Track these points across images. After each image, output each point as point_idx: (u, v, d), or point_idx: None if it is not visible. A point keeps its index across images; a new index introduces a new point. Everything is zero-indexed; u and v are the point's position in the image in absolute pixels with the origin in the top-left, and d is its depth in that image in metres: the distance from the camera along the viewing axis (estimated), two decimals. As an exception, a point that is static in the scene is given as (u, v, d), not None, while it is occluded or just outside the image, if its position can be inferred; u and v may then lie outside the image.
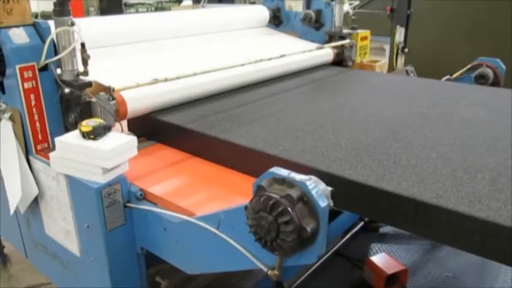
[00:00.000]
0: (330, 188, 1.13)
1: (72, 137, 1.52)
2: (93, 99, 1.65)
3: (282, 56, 2.40)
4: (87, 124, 1.50)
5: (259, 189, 1.07)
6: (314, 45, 2.89)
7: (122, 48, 2.30)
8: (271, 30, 3.34)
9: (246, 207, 1.10)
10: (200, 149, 1.80)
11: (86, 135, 1.49)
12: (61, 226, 1.74)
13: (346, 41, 3.05)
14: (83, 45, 1.64)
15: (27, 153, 1.75)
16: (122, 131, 1.73)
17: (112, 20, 2.44)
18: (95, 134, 1.49)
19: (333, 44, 2.98)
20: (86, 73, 1.69)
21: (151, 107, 1.94)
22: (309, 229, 1.02)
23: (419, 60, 4.91)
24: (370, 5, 7.27)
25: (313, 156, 1.49)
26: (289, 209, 1.01)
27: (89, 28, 2.04)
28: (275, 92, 2.31)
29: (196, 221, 1.33)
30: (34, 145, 1.74)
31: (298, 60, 2.66)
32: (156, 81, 1.84)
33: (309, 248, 1.07)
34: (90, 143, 1.47)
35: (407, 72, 3.10)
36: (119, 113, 1.81)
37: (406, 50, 5.61)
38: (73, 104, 1.70)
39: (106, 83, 1.76)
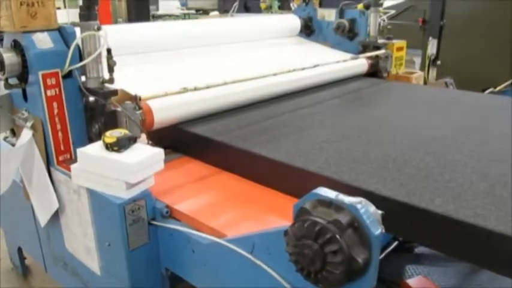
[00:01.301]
0: (380, 212, 0.99)
1: (95, 149, 1.42)
2: (119, 109, 1.55)
3: (315, 66, 2.28)
4: (111, 135, 1.40)
5: (302, 213, 0.94)
6: (348, 55, 2.75)
7: (150, 56, 2.21)
8: (303, 39, 3.22)
9: (285, 233, 0.97)
10: (230, 163, 1.68)
11: (109, 147, 1.39)
12: (82, 242, 1.64)
13: (381, 51, 2.91)
14: (109, 51, 1.55)
15: (48, 164, 1.66)
16: (148, 142, 1.62)
17: (140, 28, 2.37)
18: (119, 145, 1.39)
19: (368, 54, 2.84)
20: (111, 81, 1.59)
21: (179, 117, 1.83)
22: (360, 260, 0.88)
23: (452, 73, 4.73)
24: (401, 17, 7.11)
25: (357, 174, 1.37)
26: (337, 236, 0.87)
27: (116, 35, 1.96)
28: (308, 103, 2.18)
29: (227, 244, 1.21)
30: (56, 156, 1.65)
31: (332, 71, 2.53)
32: (185, 90, 1.73)
33: (359, 281, 0.93)
34: (114, 155, 1.36)
35: (446, 84, 2.94)
36: (145, 123, 1.71)
37: (438, 62, 5.42)
38: (97, 113, 1.60)
39: (132, 91, 1.66)
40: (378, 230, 0.90)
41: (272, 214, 1.39)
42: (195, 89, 1.76)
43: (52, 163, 1.65)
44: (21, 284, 2.80)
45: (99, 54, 1.58)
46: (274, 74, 2.08)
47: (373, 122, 1.90)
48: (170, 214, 1.44)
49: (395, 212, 1.20)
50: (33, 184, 1.74)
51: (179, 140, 1.88)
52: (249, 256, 1.14)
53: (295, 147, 1.59)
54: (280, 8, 6.53)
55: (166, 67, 2.18)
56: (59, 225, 1.76)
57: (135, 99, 1.61)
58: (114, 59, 1.59)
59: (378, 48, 2.96)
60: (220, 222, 1.34)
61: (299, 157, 1.50)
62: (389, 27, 3.09)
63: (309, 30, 3.28)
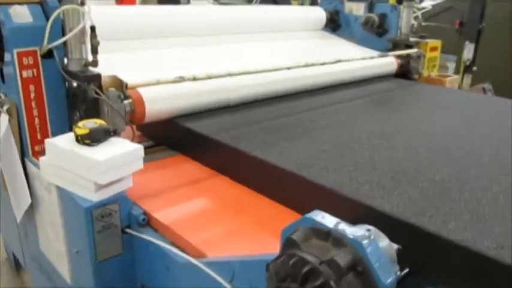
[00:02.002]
0: (396, 246, 0.75)
1: (65, 140, 1.22)
2: (101, 96, 1.35)
3: (337, 61, 2.03)
4: (84, 125, 1.19)
5: (289, 244, 0.71)
6: (375, 52, 2.49)
7: (153, 43, 2.00)
8: (328, 34, 2.97)
9: (267, 267, 0.73)
10: (227, 166, 1.46)
11: (80, 140, 1.18)
12: (54, 245, 1.44)
13: (413, 50, 2.63)
14: (92, 28, 1.35)
15: (22, 155, 1.47)
16: (133, 137, 1.41)
17: (141, 11, 2.15)
18: (92, 138, 1.18)
19: (398, 52, 2.57)
20: (95, 63, 1.39)
21: (176, 110, 1.62)
22: (362, 318, 0.64)
23: (489, 79, 4.39)
24: (437, 18, 6.75)
25: (358, 184, 1.14)
26: (332, 283, 0.63)
27: (110, 17, 1.76)
28: (326, 103, 1.93)
29: (204, 267, 0.99)
30: (31, 145, 1.46)
31: (356, 68, 2.27)
32: (181, 79, 1.52)
33: None
34: (84, 150, 1.16)
35: (484, 91, 2.64)
36: (135, 115, 1.50)
37: (474, 68, 5.08)
38: (79, 100, 1.40)
39: (121, 77, 1.45)
40: (390, 276, 0.66)
41: (266, 229, 1.16)
42: (194, 78, 1.54)
43: (27, 154, 1.47)
44: (13, 275, 2.64)
45: (83, 33, 1.37)
46: (288, 68, 1.84)
47: (393, 127, 1.65)
48: (148, 222, 1.23)
49: (398, 234, 0.95)
50: (10, 176, 1.56)
51: (174, 136, 1.67)
52: (227, 286, 0.92)
53: (302, 153, 1.35)
54: (312, 3, 6.26)
55: (167, 55, 1.97)
56: (34, 224, 1.58)
57: (121, 86, 1.40)
58: (108, 42, 1.39)
59: (409, 46, 2.69)
60: (202, 238, 1.12)
61: (299, 163, 1.27)
62: (423, 24, 2.81)
63: (334, 24, 3.02)
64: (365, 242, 0.66)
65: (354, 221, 1.04)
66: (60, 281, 1.48)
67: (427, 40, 2.77)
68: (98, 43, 1.35)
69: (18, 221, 1.62)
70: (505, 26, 5.17)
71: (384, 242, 0.73)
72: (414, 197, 1.09)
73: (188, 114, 1.65)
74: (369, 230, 0.75)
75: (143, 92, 1.52)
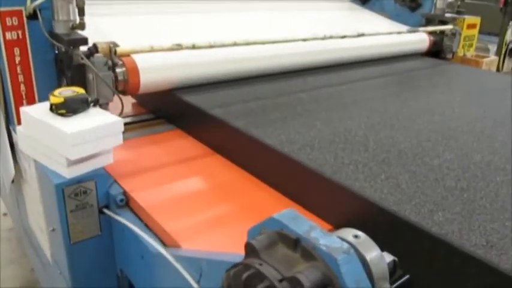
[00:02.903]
0: (390, 259, 0.61)
1: (41, 109, 1.11)
2: (87, 62, 1.22)
3: (360, 35, 1.84)
4: (60, 94, 1.08)
5: (249, 251, 0.57)
6: (404, 27, 2.27)
7: (146, 7, 1.86)
8: (356, 6, 2.75)
9: (226, 273, 0.60)
10: (223, 144, 1.33)
11: (54, 109, 1.07)
12: (37, 220, 1.36)
13: (448, 27, 2.40)
14: (78, -14, 1.22)
15: (7, 123, 1.38)
16: (121, 111, 1.29)
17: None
18: (67, 108, 1.06)
19: (429, 28, 2.35)
20: (81, 26, 1.27)
21: (174, 81, 1.48)
22: None
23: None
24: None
25: (343, 165, 1.03)
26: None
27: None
28: (341, 81, 1.76)
29: (173, 261, 0.87)
30: (16, 113, 1.36)
31: (381, 44, 2.07)
32: (179, 47, 1.38)
33: None
34: (56, 120, 1.04)
35: (525, 75, 2.39)
36: (129, 85, 1.38)
37: (516, 50, 4.74)
38: (65, 65, 1.29)
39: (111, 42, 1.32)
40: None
41: (253, 217, 1.01)
42: (194, 47, 1.40)
43: (12, 122, 1.37)
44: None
45: (70, -8, 1.25)
46: (304, 40, 1.67)
47: (405, 109, 1.48)
48: (127, 203, 1.11)
49: (378, 223, 0.87)
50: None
51: (172, 109, 1.54)
52: (194, 285, 0.79)
53: (303, 134, 1.21)
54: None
55: (165, 22, 1.82)
56: (23, 196, 1.50)
57: (110, 52, 1.27)
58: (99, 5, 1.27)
59: (444, 23, 2.46)
60: (180, 226, 0.99)
61: (302, 146, 1.12)
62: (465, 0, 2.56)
63: (364, -4, 2.81)
64: (341, 257, 0.51)
65: (334, 207, 0.95)
66: (45, 258, 1.40)
67: (464, 16, 2.53)
68: (83, 3, 1.22)
69: (7, 192, 1.54)
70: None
71: (373, 254, 0.58)
72: (402, 183, 0.97)
73: (187, 86, 1.51)
74: (356, 236, 0.61)
75: (138, 59, 1.40)
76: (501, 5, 5.40)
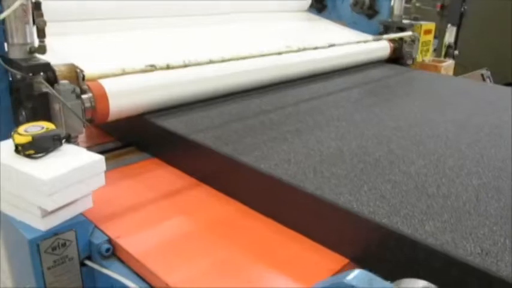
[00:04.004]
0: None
1: (5, 150, 0.94)
2: (50, 91, 1.06)
3: (330, 45, 1.78)
4: (26, 131, 0.92)
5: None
6: (369, 36, 2.25)
7: (112, 24, 1.71)
8: (313, 16, 2.72)
9: None
10: (211, 174, 1.21)
11: (21, 150, 0.90)
12: (2, 279, 1.16)
13: (408, 33, 2.41)
14: (37, 5, 1.06)
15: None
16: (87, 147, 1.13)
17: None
18: (36, 148, 0.91)
19: (392, 35, 2.34)
20: (42, 49, 1.11)
21: (146, 105, 1.35)
22: None
23: (471, 64, 4.25)
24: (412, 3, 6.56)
25: (323, 178, 1.00)
26: None
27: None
28: (320, 93, 1.69)
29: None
30: (-35, 154, 1.16)
31: (351, 53, 2.03)
32: (153, 68, 1.24)
33: None
34: (25, 164, 0.88)
35: (483, 77, 2.45)
36: (98, 112, 1.23)
37: (456, 52, 4.92)
38: (23, 95, 1.12)
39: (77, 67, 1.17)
40: None
41: (263, 263, 0.91)
42: (168, 67, 1.27)
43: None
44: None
45: (26, 11, 1.08)
46: (279, 53, 1.58)
47: (412, 125, 1.43)
48: (113, 252, 0.97)
49: (368, 238, 0.88)
50: None
51: (145, 135, 1.40)
52: None
53: (298, 156, 1.12)
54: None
55: (131, 40, 1.68)
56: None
57: (77, 77, 1.12)
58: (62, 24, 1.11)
59: (402, 29, 2.46)
60: (183, 276, 0.87)
61: (303, 171, 1.03)
62: (417, 4, 2.59)
63: (320, 4, 2.79)
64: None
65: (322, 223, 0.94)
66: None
67: (421, 22, 2.56)
68: (44, 23, 1.07)
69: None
70: (489, 9, 5.02)
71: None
72: (386, 193, 0.96)
73: (161, 109, 1.38)
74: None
75: (106, 84, 1.25)
76: (438, 9, 5.62)
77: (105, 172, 1.25)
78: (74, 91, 1.09)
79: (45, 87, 1.06)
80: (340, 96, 1.70)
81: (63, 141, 0.96)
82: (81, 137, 1.52)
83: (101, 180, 0.95)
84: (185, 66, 1.32)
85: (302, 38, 2.12)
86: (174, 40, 1.76)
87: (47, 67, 1.09)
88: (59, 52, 1.22)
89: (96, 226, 1.00)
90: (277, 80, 1.71)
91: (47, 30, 1.13)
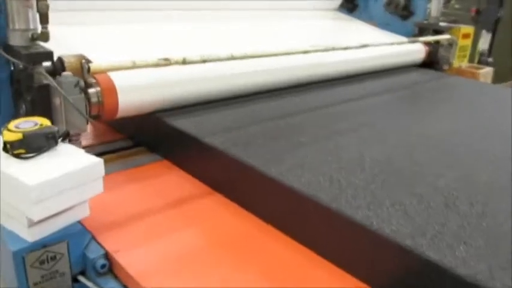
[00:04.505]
0: None
1: (-8, 148, 0.83)
2: (52, 83, 0.95)
3: (363, 46, 1.64)
4: (17, 127, 0.81)
5: None
6: (403, 38, 2.10)
7: (125, 16, 1.60)
8: (343, 15, 2.57)
9: None
10: (223, 181, 1.08)
11: (9, 148, 0.80)
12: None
13: (445, 37, 2.24)
14: (40, -14, 0.95)
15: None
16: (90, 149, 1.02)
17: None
18: (28, 147, 0.80)
19: (429, 38, 2.19)
20: (44, 36, 1.00)
21: (159, 103, 1.23)
22: None
23: (504, 73, 4.05)
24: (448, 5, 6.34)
25: (340, 191, 0.87)
26: None
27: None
28: (347, 97, 1.56)
29: None
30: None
31: (384, 55, 1.89)
32: (167, 62, 1.13)
33: None
34: (12, 165, 0.77)
35: (525, 87, 2.26)
36: (106, 108, 1.12)
37: (490, 59, 4.71)
38: (23, 87, 1.01)
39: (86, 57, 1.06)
40: None
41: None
42: (184, 62, 1.15)
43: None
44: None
45: (29, -7, 0.98)
46: (305, 52, 1.45)
47: (454, 136, 1.29)
48: (110, 268, 0.85)
49: (389, 260, 0.76)
50: None
51: (156, 136, 1.29)
52: None
53: (325, 167, 0.99)
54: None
55: (146, 33, 1.56)
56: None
57: (82, 69, 1.01)
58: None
59: (439, 32, 2.30)
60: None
61: (329, 185, 0.90)
62: (457, 6, 2.42)
63: (351, 4, 2.64)
64: None
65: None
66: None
67: (460, 25, 2.39)
68: (47, 7, 0.96)
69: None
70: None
71: None
72: (410, 210, 0.84)
73: (175, 107, 1.26)
74: None
75: (116, 78, 1.14)
76: (473, 13, 5.40)
77: (110, 174, 1.17)
78: (77, 84, 0.98)
79: (46, 79, 0.95)
80: (369, 101, 1.56)
81: (60, 140, 0.85)
82: (89, 134, 1.44)
83: (98, 187, 0.83)
84: (203, 61, 1.20)
85: (329, 38, 1.98)
86: (194, 35, 1.65)
87: (49, 56, 0.99)
88: (64, 42, 1.11)
89: (93, 237, 0.89)
90: (301, 82, 1.58)
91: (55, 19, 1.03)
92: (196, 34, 1.65)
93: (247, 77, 1.40)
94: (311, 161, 1.02)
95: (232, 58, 1.25)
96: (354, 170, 1.00)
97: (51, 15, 1.00)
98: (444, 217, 0.83)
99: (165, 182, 1.15)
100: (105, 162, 1.24)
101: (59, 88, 0.93)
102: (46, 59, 0.99)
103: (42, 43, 1.02)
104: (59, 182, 0.75)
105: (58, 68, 1.03)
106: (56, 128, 0.83)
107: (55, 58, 1.02)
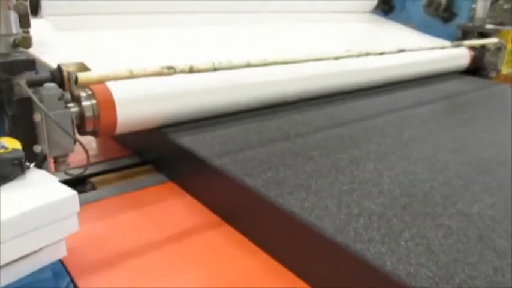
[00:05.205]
0: None
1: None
2: (32, 96, 0.81)
3: (400, 50, 1.45)
4: (-23, 152, 0.67)
5: None
6: (446, 42, 1.89)
7: (125, 20, 1.46)
8: (378, 18, 2.38)
9: None
10: (236, 212, 0.92)
11: (-34, 178, 0.66)
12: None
13: (493, 40, 2.02)
14: (18, -16, 0.82)
15: None
16: (87, 165, 0.87)
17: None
18: (-12, 176, 0.65)
19: (475, 41, 1.96)
20: (26, 42, 0.86)
21: (163, 116, 1.08)
22: None
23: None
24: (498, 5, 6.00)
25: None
26: None
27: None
28: (387, 108, 1.37)
29: None
30: None
31: (424, 61, 1.69)
32: (171, 71, 0.97)
33: None
34: (-35, 199, 0.63)
35: None
36: (102, 123, 0.98)
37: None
38: (4, 100, 0.88)
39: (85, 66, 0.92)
40: None
41: None
42: (191, 70, 1.00)
43: None
44: None
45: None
46: (336, 58, 1.27)
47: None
48: (88, 324, 0.70)
49: None
50: None
51: (162, 153, 1.14)
52: None
53: (362, 201, 0.81)
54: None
55: (150, 38, 1.42)
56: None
57: (68, 77, 0.87)
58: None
59: (485, 35, 2.08)
60: None
61: (365, 225, 0.72)
62: (505, 7, 2.20)
63: (387, 5, 2.44)
64: None
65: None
66: None
67: (509, 28, 2.16)
68: (25, 8, 0.82)
69: None
70: None
71: None
72: (435, 245, 0.69)
73: (183, 122, 1.11)
74: None
75: (114, 88, 0.99)
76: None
77: (108, 199, 1.03)
78: (61, 97, 0.84)
79: (25, 91, 0.82)
80: (403, 114, 1.37)
81: (31, 165, 0.71)
82: (94, 150, 1.30)
83: (72, 225, 0.68)
84: (214, 69, 1.04)
85: (363, 42, 1.80)
86: (208, 40, 1.49)
87: (30, 65, 0.85)
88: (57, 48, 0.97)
89: (72, 280, 0.74)
90: (330, 92, 1.40)
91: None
92: (212, 39, 1.50)
93: (267, 87, 1.23)
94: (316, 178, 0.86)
95: (249, 65, 1.09)
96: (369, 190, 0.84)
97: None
98: (478, 255, 0.67)
99: (168, 210, 0.99)
100: (106, 182, 1.14)
101: (37, 102, 0.79)
102: (28, 68, 0.85)
103: (24, 49, 0.88)
104: (21, 220, 0.60)
105: (57, 78, 0.90)
106: (21, 153, 0.68)
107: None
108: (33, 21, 0.91)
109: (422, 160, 1.02)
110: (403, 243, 0.69)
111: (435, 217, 0.78)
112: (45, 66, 0.99)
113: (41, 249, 0.66)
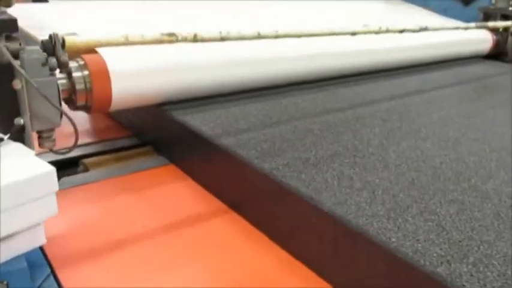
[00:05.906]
0: None
1: None
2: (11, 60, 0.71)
3: (422, 29, 1.33)
4: None
5: None
6: (460, 23, 1.77)
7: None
8: (397, 1, 2.25)
9: None
10: (243, 199, 0.82)
11: None
12: None
13: (518, 23, 1.89)
14: None
15: None
16: (75, 143, 0.76)
17: None
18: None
19: (500, 23, 1.84)
20: (7, 1, 0.76)
21: (164, 93, 0.97)
22: None
23: None
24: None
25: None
26: None
27: None
28: (407, 90, 1.26)
29: None
30: None
31: (446, 43, 1.57)
32: (172, 38, 0.86)
33: None
34: None
35: None
36: (95, 98, 0.87)
37: None
38: (-16, 66, 0.78)
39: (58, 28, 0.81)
40: None
41: None
42: (196, 39, 0.88)
43: None
44: None
45: None
46: (353, 34, 1.16)
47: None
48: (69, 323, 0.60)
49: None
50: None
51: (162, 133, 1.04)
52: None
53: (386, 187, 0.70)
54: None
55: (150, 12, 1.31)
56: None
57: (54, 45, 0.76)
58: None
59: (509, 18, 1.96)
60: None
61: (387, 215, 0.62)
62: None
63: (404, -13, 2.31)
64: None
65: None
66: None
67: (533, 11, 2.03)
68: (3, -42, 0.71)
69: None
70: None
71: None
72: (447, 222, 0.62)
73: (186, 99, 1.00)
74: None
75: (110, 59, 0.89)
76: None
77: (102, 181, 0.93)
78: (46, 63, 0.73)
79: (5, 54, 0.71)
80: (422, 97, 1.25)
81: (5, 138, 0.60)
82: (89, 130, 1.21)
83: (50, 207, 0.57)
84: (221, 39, 0.93)
85: (381, 22, 1.68)
86: (214, 15, 1.38)
87: (11, 25, 0.74)
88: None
89: (52, 271, 0.64)
90: (345, 72, 1.29)
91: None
92: (223, 14, 1.39)
93: (279, 64, 1.12)
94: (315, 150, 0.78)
95: (259, 37, 0.97)
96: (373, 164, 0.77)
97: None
98: (494, 233, 0.61)
99: (167, 194, 0.89)
100: (100, 164, 1.03)
101: (17, 66, 0.68)
102: (10, 29, 0.75)
103: (5, 8, 0.78)
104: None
105: (48, 48, 0.78)
106: (-7, 121, 0.58)
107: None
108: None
109: (431, 134, 0.94)
110: (409, 218, 0.62)
111: (445, 193, 0.71)
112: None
113: (13, 234, 0.56)
